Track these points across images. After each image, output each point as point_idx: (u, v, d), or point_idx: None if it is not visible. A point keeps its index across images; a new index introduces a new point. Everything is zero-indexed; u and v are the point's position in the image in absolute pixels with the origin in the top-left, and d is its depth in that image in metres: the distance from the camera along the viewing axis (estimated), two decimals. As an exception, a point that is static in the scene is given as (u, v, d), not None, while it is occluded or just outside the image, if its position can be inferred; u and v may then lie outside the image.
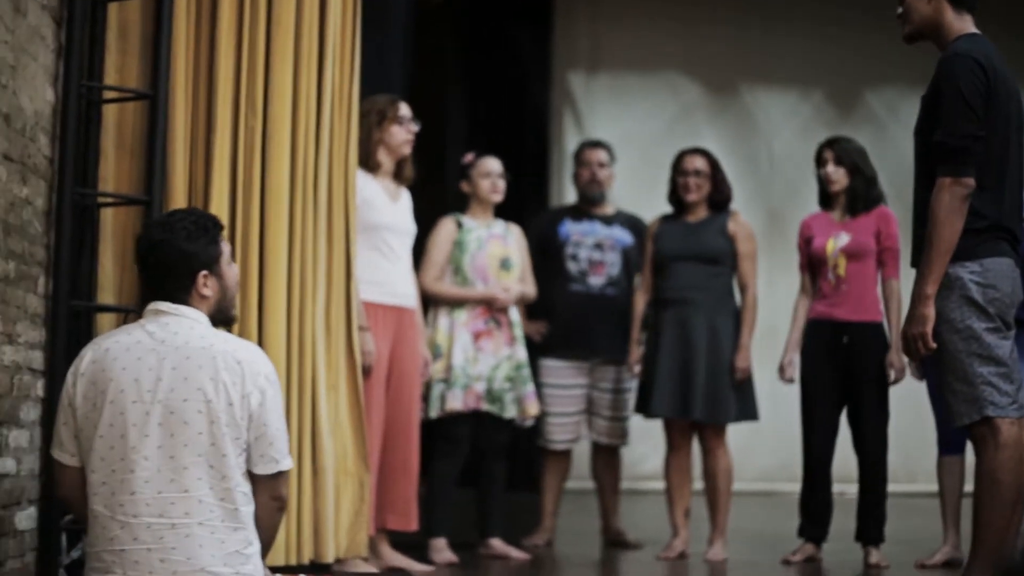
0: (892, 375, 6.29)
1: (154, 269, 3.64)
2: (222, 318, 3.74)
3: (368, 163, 5.81)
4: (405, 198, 5.98)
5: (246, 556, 3.55)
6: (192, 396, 3.49)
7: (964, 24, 4.67)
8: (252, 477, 3.59)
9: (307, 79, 5.20)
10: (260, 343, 4.91)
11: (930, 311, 4.43)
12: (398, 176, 5.96)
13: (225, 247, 3.74)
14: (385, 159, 5.88)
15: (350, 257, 5.38)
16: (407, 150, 5.94)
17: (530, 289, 6.54)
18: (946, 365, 4.51)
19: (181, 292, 3.63)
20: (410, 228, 5.96)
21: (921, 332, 4.45)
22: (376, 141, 5.85)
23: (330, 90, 5.27)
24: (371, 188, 5.78)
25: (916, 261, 4.57)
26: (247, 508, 3.56)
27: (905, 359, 6.19)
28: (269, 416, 3.58)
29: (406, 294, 5.88)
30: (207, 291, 3.65)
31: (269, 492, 3.64)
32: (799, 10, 10.36)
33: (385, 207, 5.81)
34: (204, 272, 3.64)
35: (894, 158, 8.87)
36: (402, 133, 5.90)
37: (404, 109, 5.92)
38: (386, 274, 5.78)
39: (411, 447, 5.87)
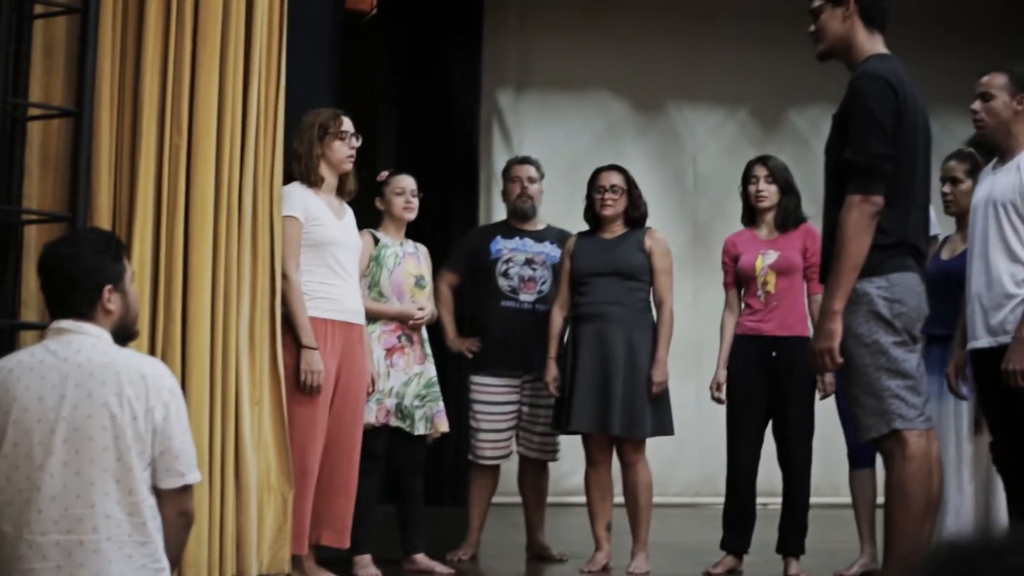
0: (822, 389, 6.39)
1: (60, 284, 3.61)
2: (125, 335, 3.72)
3: (310, 178, 5.82)
4: (349, 214, 5.99)
5: (155, 571, 3.52)
6: (96, 412, 3.47)
7: (875, 44, 4.76)
8: (158, 492, 3.55)
9: (232, 96, 5.23)
10: (184, 358, 4.94)
11: (837, 326, 4.49)
12: (340, 191, 5.99)
13: (129, 267, 3.75)
14: (327, 174, 5.88)
15: (275, 273, 5.40)
16: (349, 165, 5.94)
17: (436, 310, 6.58)
18: (854, 379, 4.58)
19: (86, 307, 3.59)
20: (357, 243, 5.97)
21: (828, 347, 4.50)
22: (318, 156, 5.84)
23: (255, 107, 5.31)
24: (316, 204, 5.78)
25: (825, 277, 4.65)
26: (154, 523, 3.53)
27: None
28: (174, 430, 3.56)
29: (355, 311, 5.88)
30: (112, 306, 3.62)
31: (175, 507, 3.60)
32: (725, 29, 10.47)
33: (332, 223, 5.81)
34: (110, 286, 3.62)
35: (817, 175, 8.86)
36: (344, 148, 5.91)
37: (346, 124, 5.93)
38: (336, 290, 5.78)
39: (352, 465, 5.84)
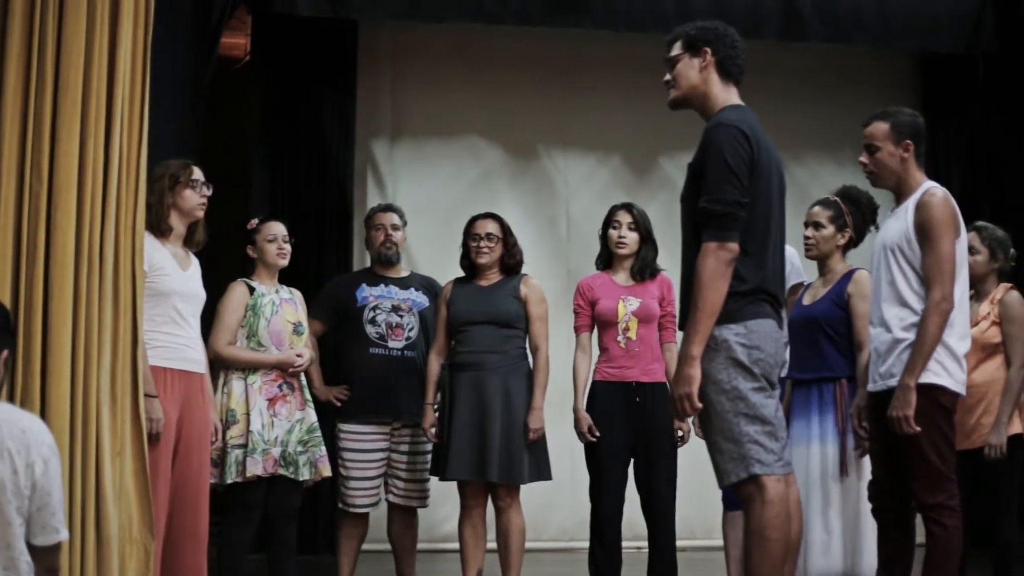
0: (682, 435, 6.46)
1: None
2: None
3: (159, 227, 5.81)
4: (195, 264, 5.97)
5: (26, 625, 3.52)
6: (-24, 466, 3.46)
7: (729, 95, 4.86)
8: (30, 548, 3.56)
9: (94, 146, 5.19)
10: (43, 410, 4.88)
11: (696, 371, 4.55)
12: (188, 241, 5.97)
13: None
14: (177, 223, 5.88)
15: (137, 323, 5.36)
16: (200, 214, 5.94)
17: (314, 353, 6.60)
18: (713, 425, 4.64)
19: None
20: (200, 294, 5.95)
21: (687, 392, 4.55)
22: (168, 205, 5.84)
23: (117, 157, 5.27)
24: (160, 255, 5.77)
25: (683, 323, 4.71)
26: (30, 577, 3.54)
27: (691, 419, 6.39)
28: (52, 486, 3.56)
29: (195, 360, 5.86)
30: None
31: (46, 563, 3.60)
32: (598, 76, 10.57)
33: (175, 273, 5.79)
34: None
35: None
36: (195, 197, 5.90)
37: (197, 173, 5.93)
38: (176, 340, 5.76)
39: (200, 513, 5.81)
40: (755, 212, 4.63)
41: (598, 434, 6.53)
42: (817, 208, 6.26)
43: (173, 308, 5.76)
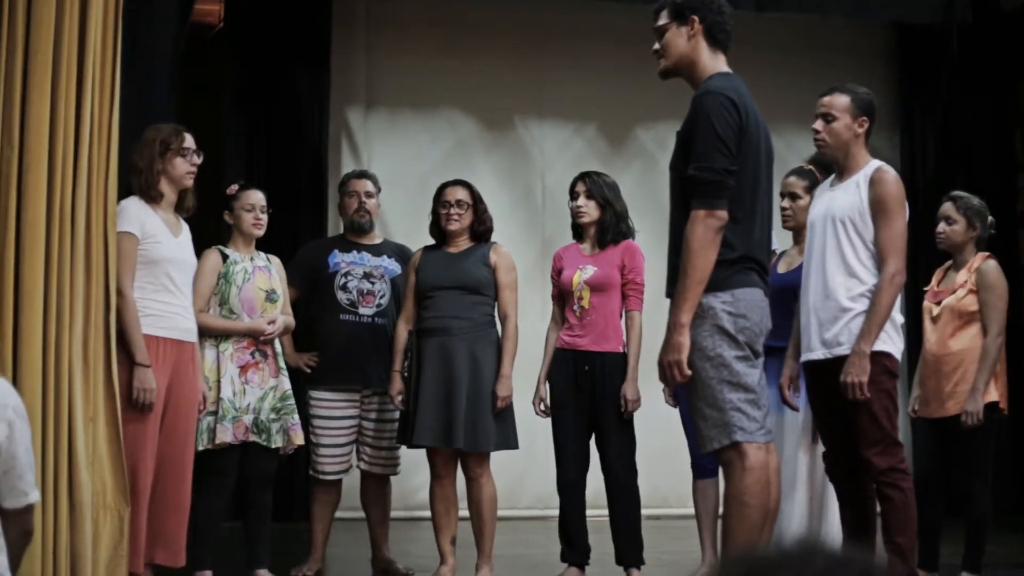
0: (626, 406, 6.43)
1: None
2: None
3: (150, 193, 5.77)
4: (186, 231, 5.95)
5: (-4, 589, 3.49)
6: (-58, 430, 3.42)
7: (718, 63, 4.84)
8: (2, 512, 3.53)
9: (65, 110, 5.15)
10: (15, 376, 4.84)
11: (685, 339, 4.55)
12: (178, 207, 5.92)
13: None
14: (167, 190, 5.84)
15: (109, 288, 5.32)
16: (189, 181, 5.91)
17: (290, 320, 6.55)
18: (697, 392, 4.64)
19: None
20: (192, 261, 5.93)
21: (676, 359, 4.56)
22: (158, 171, 5.80)
23: (89, 121, 5.23)
24: (152, 222, 5.73)
25: (671, 291, 4.69)
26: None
27: (661, 386, 6.38)
28: (18, 449, 3.52)
29: (187, 328, 5.84)
30: None
31: (19, 526, 3.58)
32: (574, 46, 10.55)
33: (168, 241, 5.76)
34: None
35: (665, 192, 9.05)
36: (185, 165, 5.86)
37: (188, 140, 5.88)
38: (168, 308, 5.73)
39: (184, 482, 5.81)
40: (743, 180, 4.64)
41: (544, 410, 6.55)
42: (793, 178, 6.27)
43: (166, 275, 5.73)
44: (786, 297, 5.90)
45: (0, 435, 3.48)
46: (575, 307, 6.53)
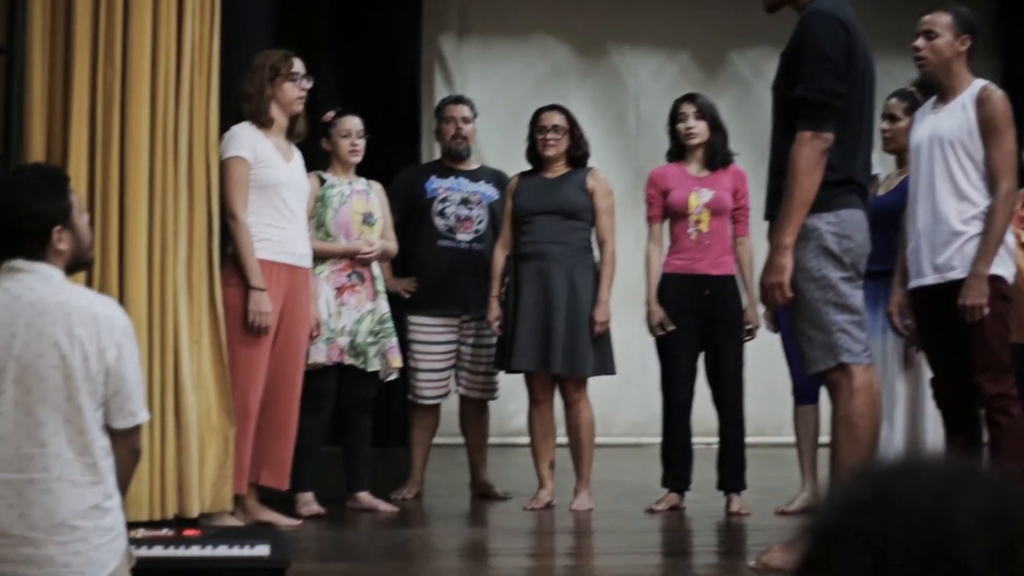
0: (751, 327, 6.40)
1: (5, 232, 3.56)
2: (80, 265, 3.71)
3: (260, 119, 5.77)
4: (297, 156, 5.96)
5: (105, 510, 3.52)
6: (47, 351, 3.44)
7: (822, -15, 4.76)
8: (110, 431, 3.57)
9: (166, 33, 5.17)
10: (121, 299, 4.88)
11: (788, 261, 4.52)
12: (289, 133, 5.93)
13: (74, 198, 3.68)
14: (278, 115, 5.85)
15: (211, 212, 5.35)
16: (299, 107, 5.91)
17: (392, 245, 6.52)
18: (802, 313, 4.60)
19: (36, 250, 3.55)
20: (305, 185, 5.95)
21: (779, 281, 4.53)
22: (268, 97, 5.81)
23: (190, 44, 5.24)
24: (264, 146, 5.75)
25: (771, 213, 4.64)
26: (106, 462, 3.53)
27: (761, 313, 6.34)
28: (126, 370, 3.55)
29: (302, 253, 5.86)
30: (63, 246, 3.57)
31: (127, 445, 3.62)
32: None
33: (280, 165, 5.78)
34: (58, 227, 3.57)
35: (759, 118, 8.95)
36: (295, 90, 5.86)
37: (297, 65, 5.88)
38: (282, 233, 5.76)
39: (292, 407, 5.85)
40: (850, 102, 4.57)
41: (671, 327, 6.44)
42: (894, 100, 6.16)
43: (280, 199, 5.74)
44: (883, 221, 5.81)
45: (110, 356, 3.51)
46: (691, 230, 6.45)
